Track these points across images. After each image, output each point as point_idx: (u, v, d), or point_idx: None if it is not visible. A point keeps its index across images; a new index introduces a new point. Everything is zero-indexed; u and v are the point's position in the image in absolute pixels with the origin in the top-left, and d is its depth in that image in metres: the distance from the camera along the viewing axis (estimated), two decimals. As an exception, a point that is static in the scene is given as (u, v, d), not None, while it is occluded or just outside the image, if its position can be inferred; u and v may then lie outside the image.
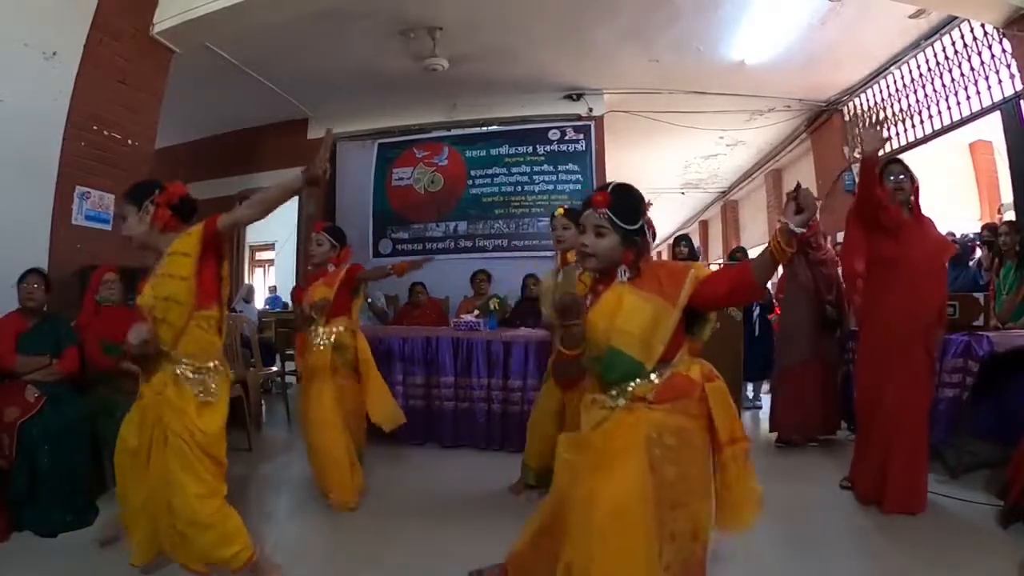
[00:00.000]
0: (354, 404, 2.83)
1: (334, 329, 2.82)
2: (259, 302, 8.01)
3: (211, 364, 1.88)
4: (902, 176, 2.56)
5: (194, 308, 1.80)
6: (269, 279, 10.61)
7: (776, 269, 1.33)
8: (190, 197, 1.94)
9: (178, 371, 1.82)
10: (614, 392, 1.44)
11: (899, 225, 2.51)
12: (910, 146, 5.67)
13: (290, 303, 6.89)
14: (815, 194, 5.64)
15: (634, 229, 1.44)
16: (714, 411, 1.40)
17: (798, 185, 1.32)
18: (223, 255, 1.87)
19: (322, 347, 2.77)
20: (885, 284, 2.56)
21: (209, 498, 1.83)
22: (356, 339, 2.89)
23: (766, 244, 1.32)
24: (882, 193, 2.51)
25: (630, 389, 1.42)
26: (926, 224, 2.60)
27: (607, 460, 1.37)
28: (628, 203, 1.46)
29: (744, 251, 5.34)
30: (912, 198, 2.58)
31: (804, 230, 1.28)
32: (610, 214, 1.43)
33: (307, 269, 3.11)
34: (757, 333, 4.55)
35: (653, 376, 1.41)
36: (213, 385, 1.87)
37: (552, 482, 1.61)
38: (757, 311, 4.62)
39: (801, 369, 3.58)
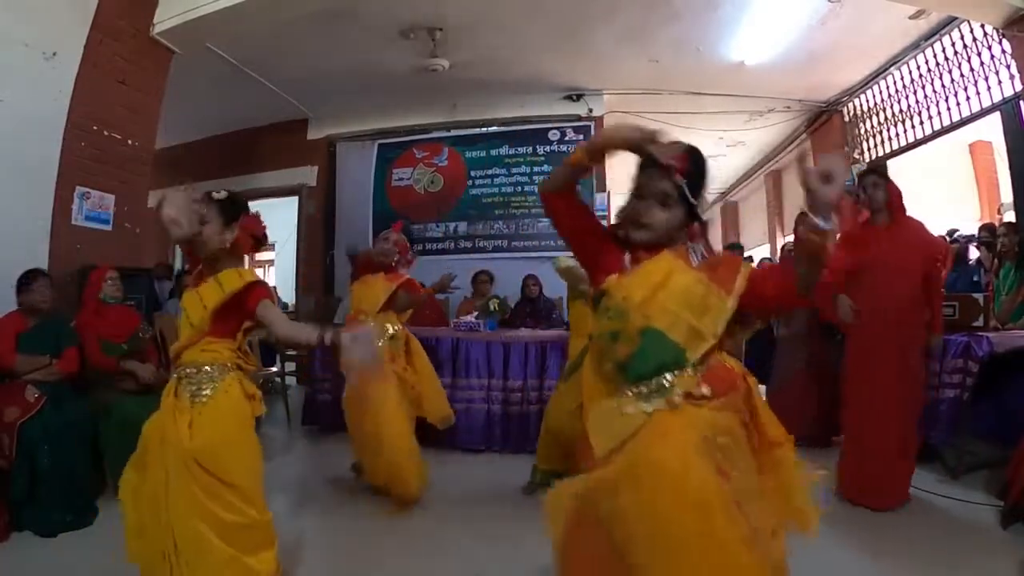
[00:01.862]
0: (411, 394, 2.87)
1: (387, 325, 2.86)
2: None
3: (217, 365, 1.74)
4: (876, 184, 2.65)
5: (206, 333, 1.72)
6: (269, 279, 10.62)
7: (821, 273, 1.11)
8: (266, 237, 1.95)
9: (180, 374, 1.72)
10: (644, 390, 1.16)
11: (862, 235, 2.67)
12: (910, 147, 5.68)
13: (291, 303, 6.91)
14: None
15: (697, 204, 1.23)
16: (760, 407, 1.21)
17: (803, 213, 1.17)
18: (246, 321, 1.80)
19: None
20: (860, 290, 2.64)
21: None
22: (406, 333, 2.98)
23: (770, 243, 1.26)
24: (848, 209, 2.71)
25: (669, 384, 1.15)
26: (905, 228, 2.65)
27: (663, 469, 1.07)
28: (702, 173, 1.23)
29: (740, 247, 5.21)
30: (888, 205, 2.65)
31: (830, 221, 1.05)
32: (685, 183, 1.19)
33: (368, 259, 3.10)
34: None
35: (691, 369, 1.16)
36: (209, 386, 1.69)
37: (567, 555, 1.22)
38: None
39: (797, 379, 3.57)
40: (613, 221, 1.31)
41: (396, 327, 2.89)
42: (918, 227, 2.69)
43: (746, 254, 7.03)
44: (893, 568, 2.04)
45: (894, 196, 2.67)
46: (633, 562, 1.07)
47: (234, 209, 1.78)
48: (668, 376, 1.15)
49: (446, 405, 3.04)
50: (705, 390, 1.15)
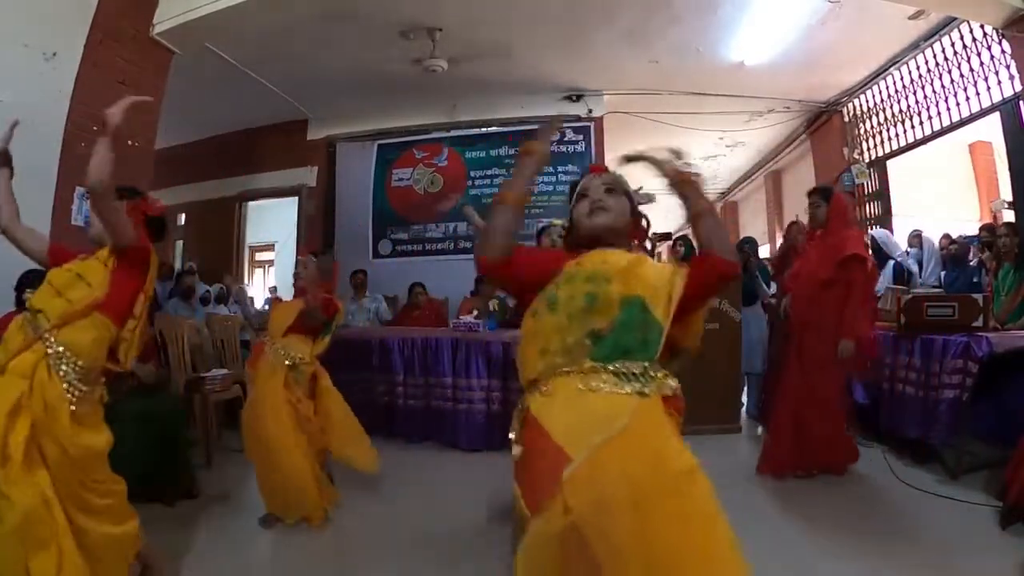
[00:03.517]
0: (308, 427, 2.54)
1: (292, 353, 2.55)
2: (259, 303, 8.02)
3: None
4: (817, 204, 3.01)
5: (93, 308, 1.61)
6: (269, 279, 10.61)
7: (708, 219, 1.14)
8: (165, 220, 1.88)
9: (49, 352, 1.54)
10: (619, 368, 1.02)
11: (807, 247, 3.09)
12: (910, 147, 5.69)
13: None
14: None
15: (635, 203, 1.30)
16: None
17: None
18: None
19: (278, 365, 2.52)
20: (793, 293, 3.08)
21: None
22: (314, 366, 2.64)
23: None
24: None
25: (655, 377, 1.04)
26: (833, 238, 2.92)
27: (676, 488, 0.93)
28: (623, 178, 1.33)
29: (753, 241, 4.84)
30: (827, 221, 2.98)
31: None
32: (613, 177, 1.30)
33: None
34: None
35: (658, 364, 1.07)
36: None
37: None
38: None
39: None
40: (565, 229, 1.36)
41: (300, 357, 2.55)
42: (842, 237, 2.90)
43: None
44: (892, 568, 2.04)
45: (833, 211, 2.96)
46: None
47: (119, 196, 1.74)
48: (648, 367, 1.04)
49: (368, 454, 2.69)
50: (674, 395, 1.06)
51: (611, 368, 1.03)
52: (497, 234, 1.16)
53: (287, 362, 2.52)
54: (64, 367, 1.54)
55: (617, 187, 1.27)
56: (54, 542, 1.44)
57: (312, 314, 2.58)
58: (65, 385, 1.53)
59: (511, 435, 1.11)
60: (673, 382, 1.06)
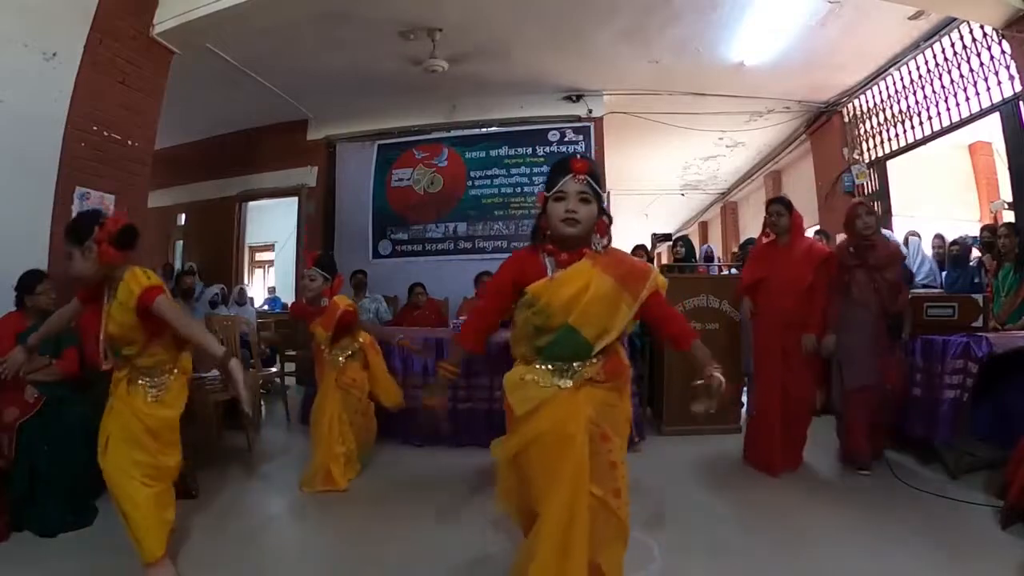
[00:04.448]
0: (362, 403, 3.18)
1: (343, 354, 3.11)
2: (258, 303, 8.02)
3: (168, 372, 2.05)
4: (780, 213, 3.15)
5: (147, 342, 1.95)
6: (269, 280, 10.61)
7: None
8: (131, 228, 1.94)
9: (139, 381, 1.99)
10: (551, 367, 1.50)
11: (765, 252, 3.24)
12: (910, 147, 5.69)
13: (290, 303, 6.90)
14: (815, 195, 5.65)
15: (602, 203, 1.51)
16: (626, 381, 1.60)
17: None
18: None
19: (339, 362, 3.09)
20: (761, 296, 3.20)
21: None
22: (362, 340, 3.22)
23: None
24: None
25: (579, 370, 1.49)
26: (799, 248, 3.12)
27: (562, 449, 1.45)
28: (599, 172, 1.52)
29: (780, 200, 4.62)
30: (789, 230, 3.14)
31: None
32: (591, 180, 1.46)
33: (301, 301, 3.29)
34: None
35: (595, 359, 1.50)
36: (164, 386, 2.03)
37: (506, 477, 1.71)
38: None
39: (864, 393, 3.05)
40: (535, 229, 1.57)
41: (350, 352, 3.13)
42: (810, 244, 3.18)
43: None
44: (892, 567, 2.04)
45: (795, 222, 3.16)
46: (527, 476, 1.53)
47: (78, 231, 1.85)
48: (576, 364, 1.49)
49: (397, 392, 3.39)
50: (601, 376, 1.50)
51: (548, 367, 1.51)
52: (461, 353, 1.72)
53: (342, 357, 3.08)
54: (141, 380, 2.01)
55: (590, 194, 1.46)
56: None
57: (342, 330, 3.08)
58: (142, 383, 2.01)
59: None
60: (595, 363, 1.51)
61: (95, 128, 3.73)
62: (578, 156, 1.52)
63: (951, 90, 5.01)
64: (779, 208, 3.19)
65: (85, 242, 1.84)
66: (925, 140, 5.48)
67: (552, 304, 1.46)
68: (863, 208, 3.07)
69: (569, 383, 1.49)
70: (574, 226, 1.46)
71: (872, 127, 6.16)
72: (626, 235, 8.39)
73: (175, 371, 2.06)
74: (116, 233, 1.87)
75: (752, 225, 10.62)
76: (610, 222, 1.54)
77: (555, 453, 1.45)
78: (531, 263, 1.53)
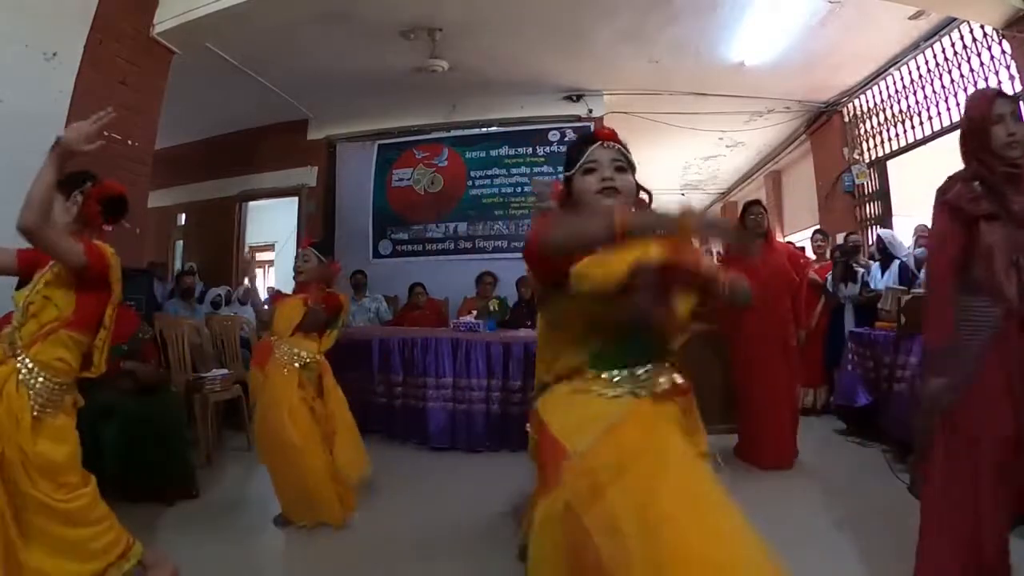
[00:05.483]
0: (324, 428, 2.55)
1: (302, 352, 2.54)
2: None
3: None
4: (760, 215, 3.29)
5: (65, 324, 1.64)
6: (269, 279, 10.61)
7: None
8: (124, 199, 1.85)
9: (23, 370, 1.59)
10: (616, 377, 1.07)
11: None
12: (910, 147, 5.68)
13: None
14: (815, 195, 5.67)
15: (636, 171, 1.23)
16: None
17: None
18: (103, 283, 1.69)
19: (289, 365, 2.51)
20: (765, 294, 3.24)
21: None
22: (323, 367, 2.64)
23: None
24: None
25: (651, 376, 1.08)
26: (775, 250, 3.36)
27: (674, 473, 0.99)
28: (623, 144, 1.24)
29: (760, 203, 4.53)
30: (766, 230, 3.32)
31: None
32: (623, 148, 1.20)
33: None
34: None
35: (668, 363, 1.11)
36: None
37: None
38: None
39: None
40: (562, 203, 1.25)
41: (312, 356, 2.56)
42: (784, 248, 3.55)
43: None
44: (892, 567, 2.04)
45: (770, 225, 3.42)
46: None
47: (69, 181, 1.75)
48: (649, 367, 1.08)
49: (363, 460, 2.65)
50: (684, 387, 1.11)
51: (615, 376, 1.08)
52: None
53: (297, 363, 2.50)
54: (33, 381, 1.59)
55: (625, 163, 1.18)
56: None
57: (315, 316, 2.56)
58: (31, 393, 1.58)
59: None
60: (669, 368, 1.11)
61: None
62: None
63: (951, 90, 5.00)
64: (760, 210, 3.34)
65: (72, 193, 1.74)
66: (925, 140, 5.47)
67: (612, 277, 1.00)
68: (1005, 102, 1.69)
69: (645, 392, 1.06)
70: (614, 196, 1.14)
71: (872, 127, 6.15)
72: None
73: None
74: (108, 196, 1.80)
75: (752, 225, 10.62)
76: (651, 198, 1.24)
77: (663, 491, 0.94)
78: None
